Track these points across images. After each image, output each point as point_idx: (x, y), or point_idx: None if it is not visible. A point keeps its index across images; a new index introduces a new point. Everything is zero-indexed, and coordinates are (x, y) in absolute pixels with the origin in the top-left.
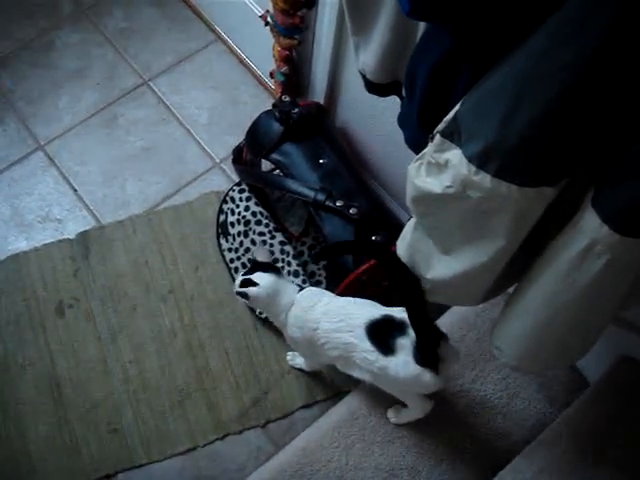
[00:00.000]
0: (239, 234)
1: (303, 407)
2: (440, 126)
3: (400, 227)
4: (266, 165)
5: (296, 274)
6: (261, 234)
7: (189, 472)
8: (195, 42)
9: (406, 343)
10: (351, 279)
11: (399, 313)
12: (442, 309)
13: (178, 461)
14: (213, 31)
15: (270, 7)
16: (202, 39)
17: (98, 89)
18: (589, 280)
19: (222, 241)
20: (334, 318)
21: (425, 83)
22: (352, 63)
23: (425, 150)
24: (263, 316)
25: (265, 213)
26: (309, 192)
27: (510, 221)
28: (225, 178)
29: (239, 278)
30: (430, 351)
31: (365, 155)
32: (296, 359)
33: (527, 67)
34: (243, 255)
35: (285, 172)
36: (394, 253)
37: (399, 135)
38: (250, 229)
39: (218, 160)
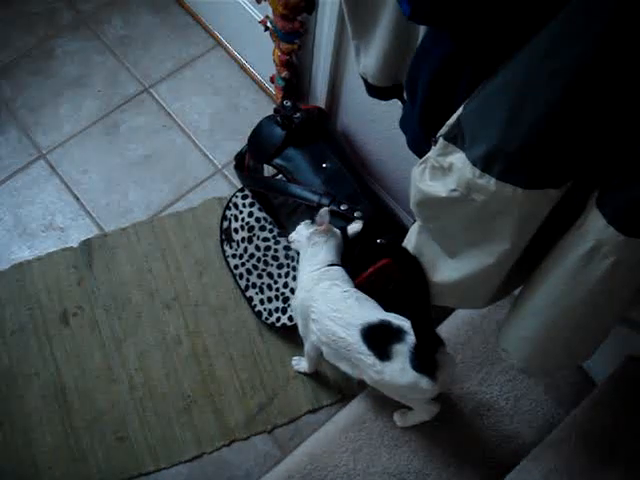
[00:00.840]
0: (243, 240)
1: (309, 412)
2: (443, 130)
3: (404, 230)
4: (268, 170)
5: None
6: (265, 239)
7: (196, 479)
8: (195, 48)
9: (403, 349)
10: (357, 284)
11: (396, 319)
12: (444, 313)
13: (185, 468)
14: (213, 37)
15: (270, 12)
16: (202, 45)
17: (99, 97)
18: (595, 281)
19: (226, 247)
20: (331, 305)
21: (427, 86)
22: (353, 67)
23: (428, 154)
24: (269, 322)
25: (269, 218)
26: (313, 196)
27: (515, 223)
28: (227, 184)
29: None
30: (428, 357)
31: (367, 158)
32: (301, 363)
33: (529, 70)
34: (247, 261)
35: (288, 177)
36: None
37: (401, 138)
38: (254, 235)
39: (220, 166)
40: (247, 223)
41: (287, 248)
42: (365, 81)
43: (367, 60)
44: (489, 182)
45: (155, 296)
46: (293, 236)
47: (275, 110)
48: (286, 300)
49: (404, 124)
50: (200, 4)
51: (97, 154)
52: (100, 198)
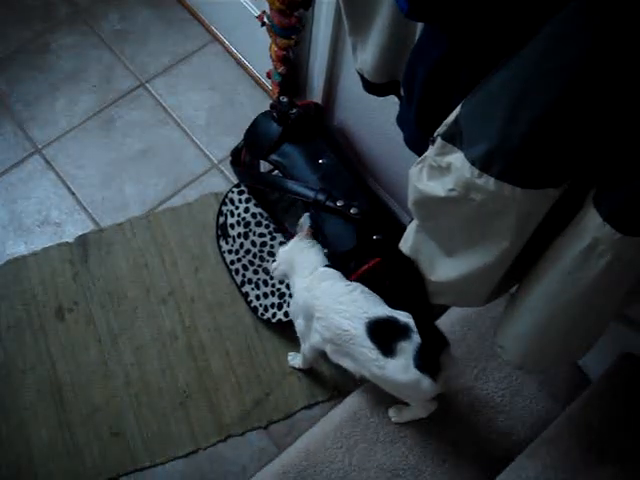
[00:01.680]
0: (239, 236)
1: (305, 408)
2: (441, 129)
3: (401, 226)
4: (265, 166)
5: None
6: (261, 235)
7: (192, 474)
8: (192, 43)
9: (408, 347)
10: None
11: (404, 317)
12: (440, 309)
13: (180, 464)
14: (210, 32)
15: (267, 7)
16: (199, 40)
17: (95, 92)
18: (592, 279)
19: (222, 243)
20: (336, 298)
21: (423, 85)
22: (350, 63)
23: (426, 153)
24: (264, 317)
25: (265, 214)
26: (309, 192)
27: (513, 223)
28: (224, 179)
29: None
30: (433, 358)
31: (364, 154)
32: (297, 359)
33: (528, 69)
34: (243, 257)
35: (284, 173)
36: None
37: (398, 134)
38: (250, 230)
39: (216, 161)
40: (243, 219)
41: (283, 244)
42: (362, 77)
43: (364, 56)
44: (488, 182)
45: (151, 291)
46: (274, 264)
47: (271, 106)
48: (282, 296)
49: (401, 121)
50: None
51: (93, 149)
52: (96, 193)
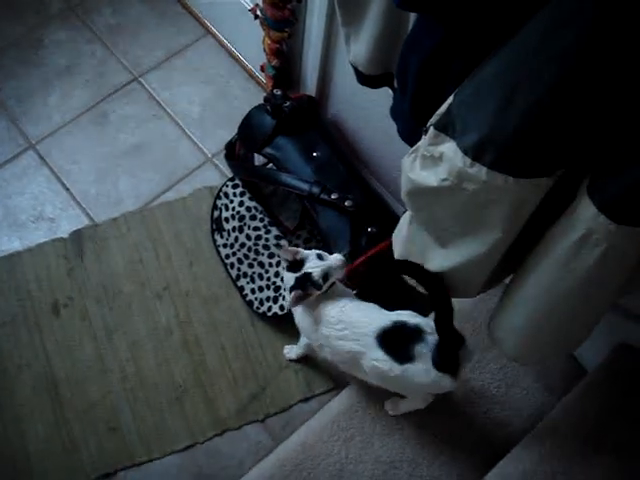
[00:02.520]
0: (234, 229)
1: (301, 401)
2: (433, 119)
3: (395, 218)
4: (259, 159)
5: None
6: (256, 229)
7: (189, 469)
8: (185, 37)
9: (424, 350)
10: (347, 272)
11: (411, 318)
12: None
13: (177, 458)
14: (203, 25)
15: (260, 0)
16: (192, 34)
17: (88, 86)
18: (586, 269)
19: (217, 237)
20: (336, 326)
21: (417, 75)
22: (343, 55)
23: (419, 143)
24: (260, 311)
25: (259, 208)
26: (304, 185)
27: (506, 212)
28: (218, 173)
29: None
30: (452, 356)
31: (358, 147)
32: (293, 351)
33: (520, 58)
34: (238, 250)
35: (279, 166)
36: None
37: (392, 127)
38: (245, 224)
39: (210, 155)
40: (238, 212)
41: (278, 237)
42: (355, 69)
43: (357, 48)
44: (480, 171)
45: (146, 286)
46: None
47: (265, 99)
48: (277, 289)
49: (395, 112)
50: None
51: (87, 144)
52: (90, 188)
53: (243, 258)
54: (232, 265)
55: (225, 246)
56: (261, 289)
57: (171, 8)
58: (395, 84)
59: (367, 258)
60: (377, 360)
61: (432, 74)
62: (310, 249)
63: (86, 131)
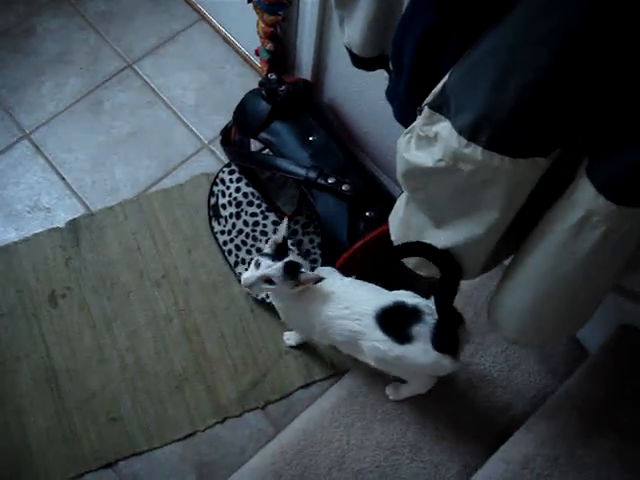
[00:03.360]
0: (231, 216)
1: (302, 387)
2: (428, 98)
3: (393, 202)
4: (255, 145)
5: None
6: (253, 215)
7: (190, 457)
8: (178, 22)
9: (423, 330)
10: (346, 257)
11: (410, 298)
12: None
13: (179, 447)
14: (196, 10)
15: None
16: (185, 19)
17: (81, 74)
18: (586, 251)
19: (214, 224)
20: (339, 305)
21: (412, 56)
22: (337, 38)
23: (414, 123)
24: (259, 297)
25: (256, 193)
26: (300, 170)
27: (503, 193)
28: (214, 159)
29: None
30: (451, 336)
31: (354, 130)
32: (292, 338)
33: (515, 35)
34: (236, 237)
35: (275, 151)
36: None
37: (388, 109)
38: (242, 210)
39: (206, 141)
40: (235, 198)
41: (275, 223)
42: (350, 52)
43: (351, 30)
44: (476, 151)
45: (144, 275)
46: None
47: (260, 83)
48: None
49: (390, 95)
50: None
51: (82, 132)
52: (86, 177)
53: (241, 244)
54: (230, 252)
55: (223, 233)
56: None
57: None
58: (390, 66)
59: (366, 242)
60: (377, 340)
61: (427, 54)
62: (308, 234)
63: (81, 119)
